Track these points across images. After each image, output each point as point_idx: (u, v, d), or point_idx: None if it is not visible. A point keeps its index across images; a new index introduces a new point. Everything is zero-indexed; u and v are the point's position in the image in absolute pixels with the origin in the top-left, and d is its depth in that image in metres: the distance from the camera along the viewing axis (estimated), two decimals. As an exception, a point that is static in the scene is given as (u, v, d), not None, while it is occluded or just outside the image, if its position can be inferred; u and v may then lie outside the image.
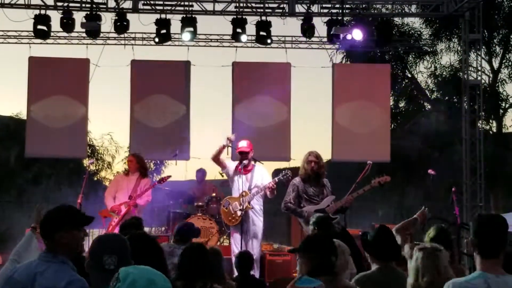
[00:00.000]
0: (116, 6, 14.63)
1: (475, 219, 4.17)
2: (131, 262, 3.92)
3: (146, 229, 14.44)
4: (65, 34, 15.23)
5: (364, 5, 15.76)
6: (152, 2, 14.78)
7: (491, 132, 20.98)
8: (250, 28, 14.74)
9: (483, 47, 18.22)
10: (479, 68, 15.37)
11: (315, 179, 9.76)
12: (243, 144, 10.50)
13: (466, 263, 10.37)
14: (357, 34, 14.37)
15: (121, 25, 14.57)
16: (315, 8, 14.89)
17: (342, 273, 5.24)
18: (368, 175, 10.06)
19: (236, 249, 10.05)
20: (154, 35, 14.90)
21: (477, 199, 14.60)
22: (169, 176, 11.44)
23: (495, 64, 21.14)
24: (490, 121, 21.07)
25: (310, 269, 4.62)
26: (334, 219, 9.32)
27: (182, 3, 14.78)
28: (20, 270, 4.25)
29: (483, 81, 16.01)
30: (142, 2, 14.77)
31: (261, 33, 14.67)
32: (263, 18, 14.71)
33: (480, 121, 15.61)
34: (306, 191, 9.71)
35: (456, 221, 10.23)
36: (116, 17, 14.47)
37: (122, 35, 15.45)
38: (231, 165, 10.62)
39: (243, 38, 14.81)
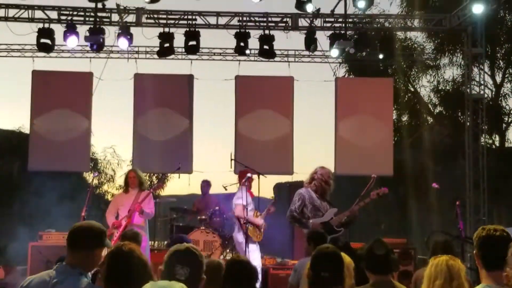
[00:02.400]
0: (120, 20, 14.67)
1: (483, 237, 4.15)
2: (202, 277, 4.13)
3: (149, 242, 14.49)
4: (68, 47, 15.25)
5: (367, 19, 15.79)
6: (155, 16, 14.81)
7: (494, 146, 20.96)
8: (253, 42, 14.78)
9: (486, 61, 18.22)
10: (482, 82, 15.37)
11: (322, 194, 9.82)
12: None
13: (470, 277, 10.33)
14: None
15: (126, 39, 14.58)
16: (318, 22, 14.89)
17: (346, 286, 5.21)
18: (372, 189, 10.05)
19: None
20: (157, 48, 14.90)
21: (480, 213, 14.55)
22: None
23: (498, 78, 21.14)
24: (493, 135, 21.04)
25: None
26: (338, 231, 9.31)
27: (186, 17, 14.81)
28: (34, 281, 4.30)
29: (486, 95, 16.02)
30: (146, 15, 14.79)
31: (264, 47, 14.68)
32: (266, 32, 14.74)
33: (483, 135, 15.58)
34: (313, 202, 9.68)
35: (460, 235, 10.19)
36: (120, 31, 14.50)
37: (125, 49, 15.49)
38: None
39: (246, 51, 14.84)
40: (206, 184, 14.70)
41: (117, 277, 4.20)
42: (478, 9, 13.20)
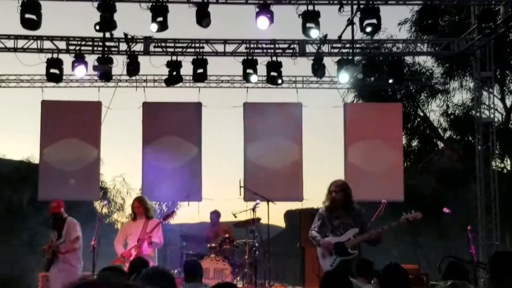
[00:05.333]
0: (128, 49, 14.72)
1: (492, 256, 4.10)
2: None
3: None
4: (77, 77, 15.30)
5: (374, 45, 15.80)
6: (163, 44, 14.87)
7: (505, 171, 20.82)
8: (261, 69, 14.80)
9: (496, 84, 18.17)
10: (492, 105, 15.32)
11: (343, 208, 9.40)
12: None
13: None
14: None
15: (133, 68, 14.64)
16: (325, 48, 14.91)
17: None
18: (382, 215, 9.95)
19: None
20: (165, 77, 14.93)
21: (493, 237, 14.42)
22: (174, 212, 11.49)
23: (508, 102, 21.03)
24: (505, 159, 20.91)
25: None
26: (351, 254, 9.11)
27: (193, 45, 14.86)
28: None
29: (496, 119, 15.94)
30: (153, 44, 14.85)
31: (272, 73, 14.71)
32: (274, 58, 14.76)
33: (494, 159, 15.49)
34: (331, 222, 9.44)
35: (472, 260, 10.08)
36: (128, 60, 14.55)
37: (133, 78, 15.54)
38: None
39: (254, 78, 14.84)
40: (215, 215, 14.63)
41: None
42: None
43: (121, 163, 41.02)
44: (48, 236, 11.06)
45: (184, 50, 14.91)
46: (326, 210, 9.43)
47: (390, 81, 15.75)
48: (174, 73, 14.72)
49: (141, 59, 14.75)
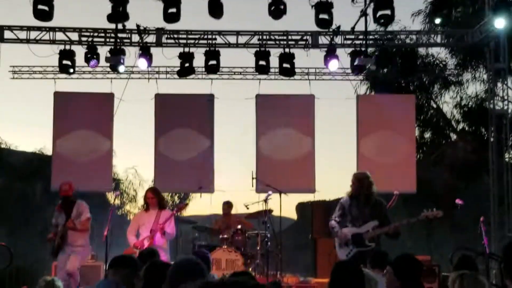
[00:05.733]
0: (140, 40, 14.73)
1: (505, 246, 4.07)
2: None
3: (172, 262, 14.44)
4: (89, 68, 15.32)
5: (388, 36, 15.72)
6: (175, 35, 14.85)
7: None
8: (274, 60, 14.76)
9: (510, 76, 18.05)
10: (506, 97, 15.21)
11: (364, 199, 9.49)
12: None
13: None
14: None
15: (146, 59, 14.64)
16: (338, 40, 14.84)
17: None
18: (394, 207, 9.93)
19: None
20: (178, 68, 14.93)
21: (505, 229, 14.36)
22: (186, 204, 11.53)
23: (522, 93, 20.91)
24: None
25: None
26: (368, 246, 9.13)
27: (206, 37, 14.83)
28: None
29: (510, 111, 15.82)
30: (166, 36, 14.84)
31: (285, 65, 14.66)
32: (287, 50, 14.73)
33: (507, 151, 15.41)
34: (350, 212, 9.49)
35: (485, 252, 10.05)
36: (140, 51, 14.55)
37: (146, 69, 15.54)
38: None
39: (267, 70, 14.81)
40: (227, 206, 14.62)
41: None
42: (500, 24, 13.11)
43: (134, 155, 41.13)
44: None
45: (196, 41, 14.90)
46: (346, 200, 9.52)
47: (402, 73, 15.70)
48: (187, 64, 14.71)
49: (154, 50, 14.77)
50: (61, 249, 10.91)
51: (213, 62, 14.58)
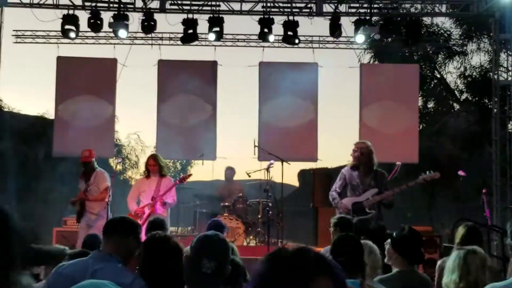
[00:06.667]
0: (144, 6, 14.64)
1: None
2: (228, 268, 3.93)
3: (173, 228, 14.52)
4: (92, 34, 15.25)
5: (393, 5, 15.60)
6: (179, 2, 14.76)
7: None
8: (277, 28, 14.68)
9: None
10: (510, 68, 15.15)
11: (365, 168, 9.50)
12: None
13: (496, 266, 10.20)
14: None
15: (148, 25, 14.58)
16: (343, 8, 14.76)
17: (372, 273, 5.16)
18: (396, 177, 9.93)
19: None
20: (181, 35, 14.85)
21: (507, 200, 14.38)
22: (190, 175, 11.46)
23: (526, 65, 20.84)
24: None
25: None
26: (368, 213, 9.14)
27: (209, 3, 14.74)
28: (70, 267, 4.34)
29: (513, 82, 15.77)
30: (170, 2, 14.75)
31: (288, 33, 14.58)
32: (290, 18, 14.63)
33: (510, 122, 15.38)
34: (351, 181, 9.50)
35: (487, 223, 10.06)
36: (144, 17, 14.48)
37: (149, 35, 15.46)
38: None
39: (270, 38, 14.73)
40: (230, 171, 14.62)
41: (153, 264, 4.29)
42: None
43: (136, 121, 41.18)
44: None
45: (200, 8, 14.81)
46: (347, 169, 9.53)
47: (406, 42, 15.62)
48: (190, 31, 14.64)
49: (157, 16, 14.69)
50: (82, 215, 11.00)
51: (216, 29, 14.51)
